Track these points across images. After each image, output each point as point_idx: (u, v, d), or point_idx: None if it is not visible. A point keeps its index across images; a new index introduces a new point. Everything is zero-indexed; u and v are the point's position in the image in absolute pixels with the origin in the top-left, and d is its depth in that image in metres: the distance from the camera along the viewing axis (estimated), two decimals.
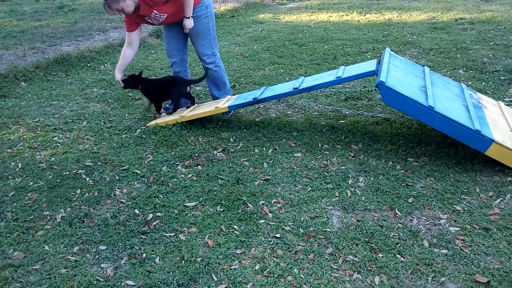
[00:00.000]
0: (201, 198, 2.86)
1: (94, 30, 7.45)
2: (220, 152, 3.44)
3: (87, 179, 3.14)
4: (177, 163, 3.30)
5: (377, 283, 2.13)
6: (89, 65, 5.76)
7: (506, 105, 3.81)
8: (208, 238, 2.50)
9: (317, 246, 2.39)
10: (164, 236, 2.53)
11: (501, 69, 4.93)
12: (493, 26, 6.87)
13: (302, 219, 2.62)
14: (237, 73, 5.31)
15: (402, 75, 3.36)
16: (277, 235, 2.49)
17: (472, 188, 2.83)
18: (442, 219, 2.57)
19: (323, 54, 5.88)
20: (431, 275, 2.16)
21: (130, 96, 4.70)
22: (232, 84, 4.94)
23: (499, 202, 2.68)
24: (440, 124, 2.99)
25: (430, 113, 2.97)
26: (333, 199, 2.80)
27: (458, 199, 2.74)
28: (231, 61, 5.80)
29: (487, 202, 2.69)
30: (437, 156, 3.22)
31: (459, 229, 2.47)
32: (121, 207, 2.82)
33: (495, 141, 2.88)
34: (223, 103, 3.82)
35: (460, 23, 7.23)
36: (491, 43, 5.96)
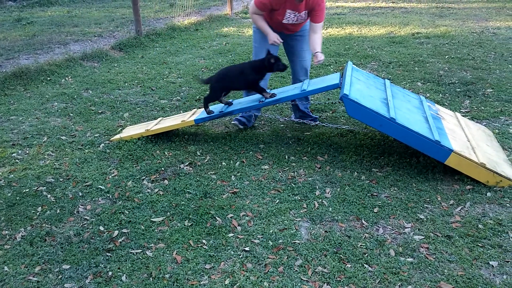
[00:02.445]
0: (168, 213, 2.81)
1: (53, 43, 7.25)
2: (187, 165, 3.41)
3: (49, 196, 3.02)
4: (143, 178, 3.24)
5: None
6: (49, 78, 5.59)
7: (463, 116, 3.99)
8: (176, 253, 2.45)
9: (287, 258, 2.40)
10: (131, 253, 2.47)
11: (456, 81, 5.16)
12: (448, 40, 7.20)
13: (271, 231, 2.62)
14: (202, 86, 5.29)
15: (364, 87, 3.46)
16: (247, 249, 2.47)
17: (434, 197, 2.93)
18: (406, 228, 2.64)
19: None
20: (398, 284, 2.21)
21: (92, 110, 4.59)
22: (198, 97, 4.92)
23: (460, 210, 2.78)
24: (402, 135, 3.09)
25: (392, 124, 3.07)
26: (301, 211, 2.82)
27: (421, 208, 2.83)
28: (196, 74, 5.78)
29: (448, 210, 2.79)
30: (399, 166, 3.31)
31: (423, 237, 2.55)
32: (84, 224, 2.73)
33: (454, 151, 3.00)
34: (189, 117, 3.80)
35: (416, 37, 7.53)
36: (446, 57, 6.23)
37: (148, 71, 5.95)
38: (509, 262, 2.32)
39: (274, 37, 3.68)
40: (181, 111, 4.46)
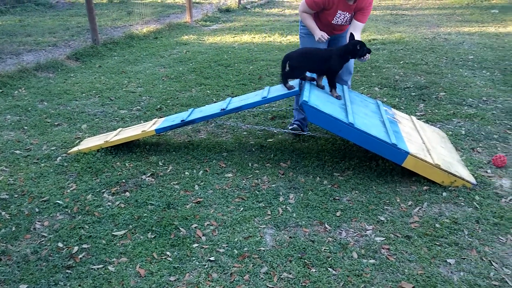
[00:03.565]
0: (130, 226, 2.75)
1: (5, 54, 6.97)
2: (149, 176, 3.35)
3: (3, 213, 2.89)
4: (103, 191, 3.15)
5: None
6: (0, 90, 5.36)
7: (418, 119, 4.14)
8: (139, 267, 2.40)
9: (252, 266, 2.40)
10: (92, 269, 2.39)
11: (411, 86, 5.36)
12: (402, 46, 7.47)
13: (236, 239, 2.61)
14: (163, 95, 5.24)
15: (323, 94, 3.53)
16: (212, 258, 2.46)
17: (393, 198, 3.02)
18: (368, 230, 2.70)
19: (249, 74, 6.00)
20: (362, 286, 2.25)
21: (48, 122, 4.43)
22: (158, 106, 4.86)
23: (418, 211, 2.88)
24: (360, 139, 3.17)
25: (350, 129, 3.14)
26: (265, 218, 2.83)
27: (381, 210, 2.90)
28: (157, 83, 5.71)
29: (407, 211, 2.88)
30: (360, 170, 3.39)
31: (384, 238, 2.61)
32: (42, 241, 2.62)
33: (410, 153, 3.10)
34: (150, 126, 3.74)
35: (373, 43, 7.77)
36: (401, 62, 6.46)
37: (106, 81, 5.82)
38: (466, 259, 2.41)
39: (319, 34, 3.72)
40: (141, 121, 4.39)
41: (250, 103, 3.58)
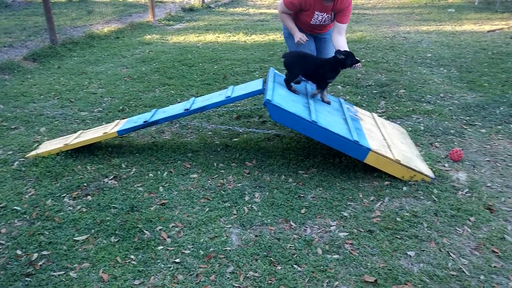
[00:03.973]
0: (92, 231, 2.69)
1: None
2: (111, 179, 3.28)
3: None
4: (63, 195, 3.06)
5: None
6: None
7: (379, 116, 4.25)
8: (102, 272, 2.35)
9: (218, 266, 2.39)
10: (53, 275, 2.32)
11: (373, 84, 5.48)
12: (364, 45, 7.63)
13: (202, 240, 2.60)
14: (126, 96, 5.14)
15: (286, 92, 3.56)
16: (177, 260, 2.43)
17: (356, 194, 3.08)
18: (332, 226, 2.75)
19: (213, 74, 5.98)
20: (326, 281, 2.29)
21: (4, 126, 4.26)
22: (121, 107, 4.76)
23: (380, 205, 2.95)
24: (324, 137, 3.22)
25: (313, 127, 3.18)
26: (231, 217, 2.83)
27: (345, 205, 2.96)
28: (119, 84, 5.60)
29: (369, 206, 2.95)
30: (324, 167, 3.44)
31: (347, 233, 2.67)
32: (0, 249, 2.52)
33: (372, 150, 3.18)
34: (112, 128, 3.66)
35: None
36: (363, 60, 6.60)
37: (66, 82, 5.65)
38: (425, 251, 2.50)
39: (299, 36, 3.77)
40: (103, 123, 4.29)
41: (214, 102, 3.57)
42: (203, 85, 5.51)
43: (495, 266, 2.36)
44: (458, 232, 2.66)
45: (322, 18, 3.74)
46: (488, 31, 8.50)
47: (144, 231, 2.68)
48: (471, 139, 3.88)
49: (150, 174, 3.35)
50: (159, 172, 3.38)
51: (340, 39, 3.75)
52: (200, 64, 6.46)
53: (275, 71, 3.98)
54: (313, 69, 3.53)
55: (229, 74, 5.95)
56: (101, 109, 4.74)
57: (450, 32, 8.60)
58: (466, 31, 8.63)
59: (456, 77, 5.68)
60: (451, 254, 2.47)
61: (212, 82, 5.61)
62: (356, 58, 3.53)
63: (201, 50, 7.40)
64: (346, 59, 3.47)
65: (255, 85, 3.72)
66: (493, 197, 3.00)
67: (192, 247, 2.54)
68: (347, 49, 3.63)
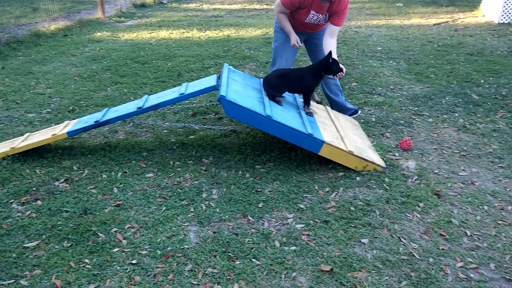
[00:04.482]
0: (43, 236, 2.59)
1: None
2: (62, 182, 3.16)
3: None
4: (11, 201, 2.93)
5: None
6: None
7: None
8: (55, 278, 2.27)
9: (176, 265, 2.37)
10: (2, 285, 2.22)
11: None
12: None
13: (159, 240, 2.57)
14: (76, 95, 4.96)
15: (241, 88, 3.57)
16: (134, 261, 2.39)
17: (312, 186, 3.14)
18: (289, 218, 2.79)
19: (168, 71, 5.88)
20: (284, 273, 2.33)
21: None
22: (71, 107, 4.60)
23: (335, 196, 3.02)
24: (279, 131, 3.25)
25: (268, 121, 3.21)
26: (188, 215, 2.81)
27: (301, 198, 3.01)
28: (68, 83, 5.40)
29: (325, 197, 3.01)
30: (280, 161, 3.48)
31: (304, 225, 2.71)
32: None
33: (325, 142, 3.24)
34: (61, 130, 3.53)
35: None
36: None
37: (11, 83, 5.39)
38: (378, 238, 2.58)
39: (294, 39, 3.84)
40: (52, 124, 4.13)
41: (168, 100, 3.52)
42: (157, 82, 5.42)
43: (443, 249, 2.48)
44: (408, 218, 2.77)
45: (317, 18, 3.79)
46: (434, 25, 8.86)
47: (99, 233, 2.61)
48: (419, 129, 4.05)
49: (104, 175, 3.26)
50: (113, 173, 3.30)
51: (331, 42, 3.80)
52: (154, 61, 6.35)
53: (229, 66, 3.97)
54: (297, 83, 3.59)
55: (183, 71, 5.89)
56: (49, 110, 4.56)
57: (399, 26, 8.90)
58: (414, 24, 8.96)
59: (404, 69, 5.89)
60: (402, 239, 2.57)
61: (167, 80, 5.52)
62: (341, 66, 3.58)
63: (154, 47, 7.26)
64: (333, 64, 3.51)
65: (209, 81, 3.70)
66: (440, 183, 3.15)
67: (149, 247, 2.50)
68: (335, 52, 3.72)
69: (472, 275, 2.29)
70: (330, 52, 3.49)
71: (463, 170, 3.32)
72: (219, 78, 3.68)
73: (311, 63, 4.10)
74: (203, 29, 8.77)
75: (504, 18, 8.59)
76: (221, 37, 8.02)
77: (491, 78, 5.33)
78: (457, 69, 5.75)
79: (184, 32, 8.44)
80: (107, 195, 3.02)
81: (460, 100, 4.68)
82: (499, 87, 5.02)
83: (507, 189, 3.05)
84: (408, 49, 6.90)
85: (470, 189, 3.07)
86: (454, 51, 6.67)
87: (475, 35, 7.69)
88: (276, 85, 3.61)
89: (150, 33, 8.35)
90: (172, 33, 8.35)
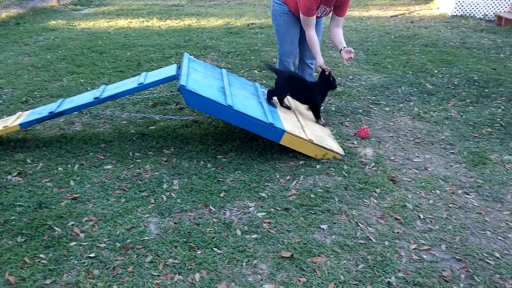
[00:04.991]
0: None
1: None
2: (15, 176, 3.04)
3: None
4: None
5: (197, 280, 2.20)
6: None
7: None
8: (9, 274, 2.19)
9: (136, 257, 2.34)
10: None
11: None
12: None
13: (118, 232, 2.52)
14: (29, 86, 4.76)
15: (201, 78, 3.54)
16: (92, 255, 2.34)
17: (273, 175, 3.17)
18: (250, 207, 2.81)
19: (126, 61, 5.74)
20: (245, 260, 2.35)
21: None
22: (24, 98, 4.42)
23: (295, 184, 3.07)
24: (240, 121, 3.26)
25: (229, 111, 3.20)
26: (149, 207, 2.78)
27: (263, 186, 3.03)
28: (21, 73, 5.17)
29: (286, 185, 3.05)
30: (242, 151, 3.49)
31: (265, 213, 2.74)
32: None
33: (286, 131, 3.28)
34: (13, 121, 3.39)
35: (251, 27, 7.96)
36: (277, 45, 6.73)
37: None
38: (336, 224, 2.65)
39: (321, 62, 3.74)
40: (4, 116, 3.95)
41: (126, 90, 3.44)
42: (115, 72, 5.28)
43: (397, 232, 2.58)
44: (366, 203, 2.85)
45: (325, 11, 3.78)
46: (391, 16, 9.08)
47: (55, 228, 2.54)
48: (377, 117, 4.16)
49: (60, 168, 3.16)
50: (69, 166, 3.20)
51: (338, 31, 3.85)
52: (112, 51, 6.17)
53: (190, 56, 3.92)
54: (302, 93, 3.69)
55: (143, 61, 5.76)
56: (1, 101, 4.36)
57: (358, 17, 9.06)
58: (372, 16, 9.14)
59: (363, 60, 6.01)
60: (360, 224, 2.65)
61: (126, 70, 5.39)
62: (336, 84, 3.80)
63: (113, 36, 7.06)
64: (334, 81, 3.72)
65: (169, 70, 3.65)
66: (396, 169, 3.26)
67: (108, 240, 2.46)
68: (343, 41, 3.83)
69: (424, 256, 2.40)
70: (330, 72, 3.67)
71: (417, 156, 3.44)
72: (179, 67, 3.63)
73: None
74: (163, 18, 8.60)
75: (457, 10, 8.92)
76: (182, 26, 7.90)
77: (444, 68, 5.53)
78: (412, 59, 5.93)
79: (143, 21, 8.26)
80: (63, 188, 2.94)
81: (415, 89, 4.84)
82: (451, 77, 5.23)
83: (458, 174, 3.20)
84: (366, 40, 7.05)
85: (423, 174, 3.19)
86: (410, 42, 6.87)
87: (430, 27, 7.95)
88: (281, 84, 3.68)
89: (108, 22, 8.11)
90: (131, 22, 8.14)
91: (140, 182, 3.04)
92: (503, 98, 4.55)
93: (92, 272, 2.23)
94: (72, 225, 2.57)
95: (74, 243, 2.43)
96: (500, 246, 2.47)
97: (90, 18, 8.48)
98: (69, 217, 2.63)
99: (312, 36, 3.75)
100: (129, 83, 3.61)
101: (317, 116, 3.81)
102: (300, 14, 3.71)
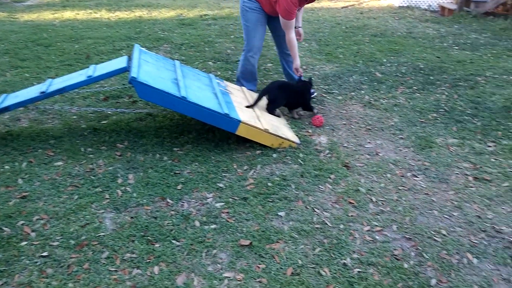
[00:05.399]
0: None
1: None
2: None
3: None
4: None
5: (156, 273, 2.18)
6: None
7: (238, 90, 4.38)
8: None
9: (92, 253, 2.29)
10: None
11: None
12: (232, 21, 7.75)
13: (72, 230, 2.45)
14: None
15: (154, 69, 3.47)
16: (45, 254, 2.27)
17: (231, 165, 3.18)
18: (208, 198, 2.81)
19: (75, 54, 5.53)
20: (205, 251, 2.35)
21: None
22: None
23: (253, 173, 3.09)
24: (194, 112, 3.23)
25: (183, 103, 3.17)
26: (103, 202, 2.71)
27: (220, 177, 3.04)
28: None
29: (243, 175, 3.07)
30: (199, 142, 3.47)
31: (223, 203, 2.75)
32: None
33: (242, 121, 3.29)
34: None
35: (204, 19, 7.88)
36: (231, 36, 6.71)
37: None
38: (293, 210, 2.70)
39: (298, 65, 3.95)
40: None
41: (74, 83, 3.33)
42: (63, 66, 5.08)
43: (352, 215, 2.67)
44: (321, 189, 2.93)
45: (299, 9, 3.90)
46: (342, 7, 9.28)
47: (3, 228, 2.43)
48: (330, 106, 4.26)
49: (6, 167, 3.02)
50: (16, 163, 3.06)
51: (299, 13, 4.04)
52: (59, 44, 5.93)
53: (141, 47, 3.84)
54: (295, 97, 3.86)
55: (92, 54, 5.58)
56: None
57: (310, 8, 9.17)
58: (324, 7, 9.30)
59: (316, 50, 6.12)
60: (316, 209, 2.71)
61: (74, 63, 5.20)
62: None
63: (59, 28, 6.77)
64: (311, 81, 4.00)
65: (119, 62, 3.56)
66: (349, 155, 3.36)
67: (61, 238, 2.39)
68: (301, 21, 4.13)
69: (377, 237, 2.50)
70: (310, 79, 3.99)
71: (369, 142, 3.56)
72: (130, 59, 3.55)
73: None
74: (112, 9, 8.35)
75: (403, 1, 9.24)
76: (133, 18, 7.70)
77: (392, 57, 5.74)
78: (362, 49, 6.10)
79: (91, 13, 7.97)
80: (10, 187, 2.81)
81: (366, 78, 4.99)
82: (399, 65, 5.43)
83: (406, 158, 3.34)
84: (318, 31, 7.17)
85: (375, 159, 3.31)
86: (360, 32, 7.05)
87: (378, 18, 8.20)
88: (276, 97, 3.77)
89: (53, 14, 7.77)
90: (78, 14, 7.84)
91: (93, 177, 2.96)
92: (447, 85, 4.79)
93: (45, 271, 2.16)
94: (22, 224, 2.47)
95: (25, 242, 2.34)
96: (447, 224, 2.62)
97: (34, 10, 8.08)
98: (19, 217, 2.53)
99: (292, 38, 3.86)
100: (77, 76, 3.49)
101: (310, 109, 3.97)
102: (280, 17, 3.76)
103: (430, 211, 2.73)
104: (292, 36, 3.85)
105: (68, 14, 7.75)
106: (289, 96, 3.84)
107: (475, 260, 2.34)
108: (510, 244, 2.46)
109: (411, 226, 2.58)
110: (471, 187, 2.98)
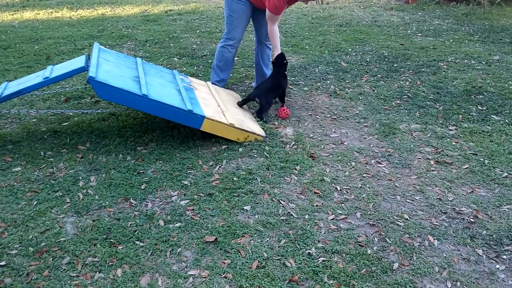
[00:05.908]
0: None
1: None
2: None
3: None
4: None
5: (119, 275, 2.14)
6: None
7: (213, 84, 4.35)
8: None
9: (52, 259, 2.23)
10: None
11: (208, 54, 5.57)
12: (198, 16, 7.67)
13: (31, 236, 2.38)
14: None
15: (114, 68, 3.39)
16: (2, 263, 2.19)
17: (196, 162, 3.14)
18: (173, 196, 2.77)
19: (34, 55, 5.37)
20: (169, 250, 2.32)
21: None
22: None
23: (218, 169, 3.07)
24: (157, 110, 3.18)
25: (145, 101, 3.11)
26: (64, 206, 2.64)
27: (185, 174, 3.00)
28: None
29: (208, 171, 3.04)
30: (163, 140, 3.42)
31: (188, 201, 2.72)
32: None
33: (206, 117, 3.25)
34: None
35: (169, 14, 7.77)
36: (197, 31, 6.64)
37: None
38: (259, 203, 2.70)
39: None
40: None
41: (31, 85, 3.22)
42: (22, 68, 4.92)
43: (317, 205, 2.68)
44: (287, 181, 2.93)
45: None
46: None
47: None
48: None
49: None
50: None
51: None
52: (18, 45, 5.74)
53: (100, 46, 3.75)
54: (277, 91, 3.84)
55: (53, 54, 5.42)
56: None
57: None
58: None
59: (282, 42, 6.09)
60: (281, 201, 2.71)
61: (34, 64, 5.05)
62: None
63: (18, 29, 6.56)
64: (286, 64, 3.93)
65: (78, 62, 3.46)
66: (315, 146, 3.37)
67: (19, 246, 2.31)
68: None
69: (341, 225, 2.52)
70: (283, 54, 3.87)
71: (334, 132, 3.59)
72: (89, 59, 3.46)
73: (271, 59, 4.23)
74: (74, 8, 8.13)
75: None
76: (95, 16, 7.53)
77: (357, 47, 5.78)
78: (328, 39, 6.13)
79: (52, 12, 7.75)
80: None
81: (331, 68, 5.02)
82: (364, 54, 5.48)
83: (371, 145, 3.38)
84: (285, 22, 7.15)
85: (340, 148, 3.33)
86: (326, 23, 7.08)
87: (344, 8, 8.25)
88: (267, 101, 3.76)
89: (12, 15, 7.51)
90: (38, 14, 7.61)
91: (53, 182, 2.88)
92: (410, 71, 4.86)
93: (3, 281, 2.09)
94: None
95: None
96: (409, 208, 2.66)
97: None
98: None
99: (275, 30, 3.85)
100: (34, 78, 3.39)
101: (283, 100, 3.97)
102: (267, 11, 3.74)
103: (393, 197, 2.77)
104: (275, 28, 3.83)
105: (28, 15, 7.51)
106: (276, 94, 3.85)
107: (436, 242, 2.38)
108: (469, 224, 2.52)
109: (375, 212, 2.62)
110: (433, 170, 3.04)
